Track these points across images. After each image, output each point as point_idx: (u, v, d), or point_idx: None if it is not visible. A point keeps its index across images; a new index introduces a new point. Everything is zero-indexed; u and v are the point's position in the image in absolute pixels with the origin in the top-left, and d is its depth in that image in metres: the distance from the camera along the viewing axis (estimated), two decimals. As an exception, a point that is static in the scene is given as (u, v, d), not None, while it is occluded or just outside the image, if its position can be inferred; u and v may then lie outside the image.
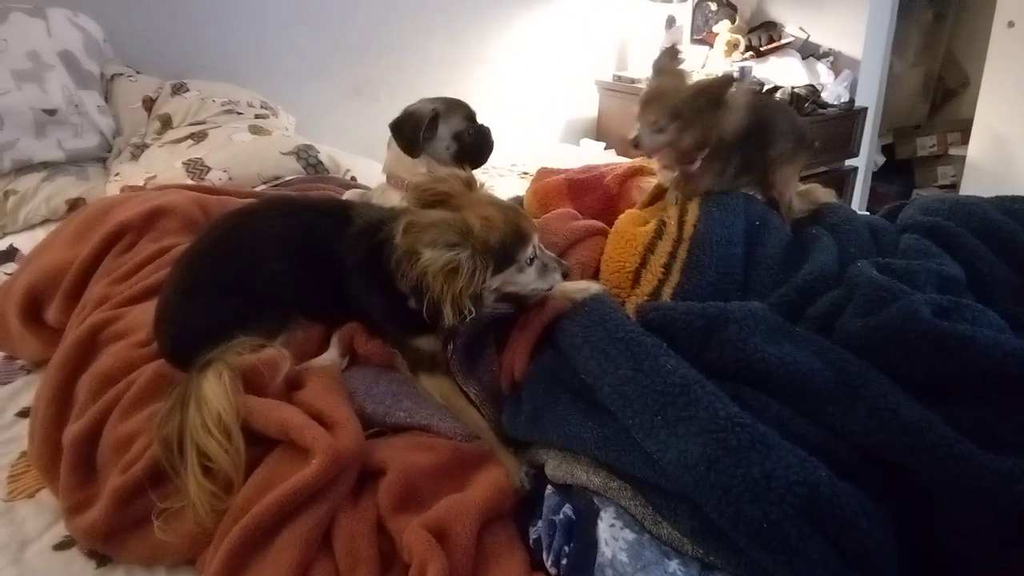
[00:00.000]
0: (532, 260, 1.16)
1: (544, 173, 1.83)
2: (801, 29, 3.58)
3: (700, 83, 1.44)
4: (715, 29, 3.65)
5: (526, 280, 1.17)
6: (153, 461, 1.03)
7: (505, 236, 1.10)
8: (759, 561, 0.81)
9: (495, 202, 1.18)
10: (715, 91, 1.40)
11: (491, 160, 1.84)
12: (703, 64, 3.62)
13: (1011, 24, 3.01)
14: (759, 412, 0.94)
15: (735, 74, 3.30)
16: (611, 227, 1.47)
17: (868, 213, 1.78)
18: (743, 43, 3.64)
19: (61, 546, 1.05)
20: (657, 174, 1.62)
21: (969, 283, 1.25)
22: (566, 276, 1.22)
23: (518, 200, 1.78)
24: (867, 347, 1.02)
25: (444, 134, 1.70)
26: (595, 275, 1.37)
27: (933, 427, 0.87)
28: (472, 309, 1.09)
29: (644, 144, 1.45)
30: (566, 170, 1.83)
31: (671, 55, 1.54)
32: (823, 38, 3.53)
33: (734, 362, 1.03)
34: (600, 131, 3.83)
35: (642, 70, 3.66)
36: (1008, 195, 1.51)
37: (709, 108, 1.39)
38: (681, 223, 1.39)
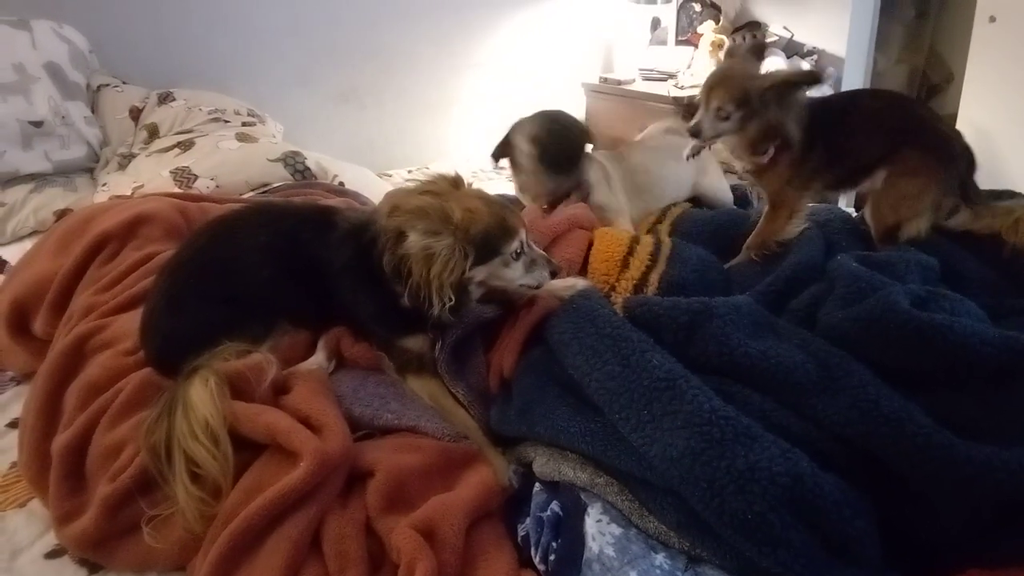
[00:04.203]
0: (519, 255, 1.16)
1: None
2: (785, 28, 3.59)
3: (778, 75, 1.33)
4: (700, 30, 3.66)
5: (512, 275, 1.17)
6: (142, 469, 1.03)
7: (488, 228, 1.11)
8: (744, 552, 0.82)
9: (483, 196, 1.19)
10: (790, 87, 1.29)
11: (479, 163, 1.83)
12: (688, 64, 3.63)
13: (992, 19, 3.03)
14: (743, 405, 0.95)
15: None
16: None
17: (854, 210, 1.79)
18: (727, 43, 3.65)
19: (52, 554, 1.06)
20: (731, 161, 1.50)
21: (947, 278, 1.26)
22: (555, 275, 1.21)
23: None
24: (848, 338, 1.03)
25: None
26: (581, 270, 1.38)
27: (913, 417, 0.88)
28: (452, 298, 1.09)
29: (705, 133, 1.35)
30: None
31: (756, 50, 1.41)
32: (807, 37, 3.54)
33: (718, 356, 1.04)
34: (588, 133, 3.83)
35: (628, 72, 3.67)
36: (988, 189, 1.53)
37: (779, 102, 1.29)
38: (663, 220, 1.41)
